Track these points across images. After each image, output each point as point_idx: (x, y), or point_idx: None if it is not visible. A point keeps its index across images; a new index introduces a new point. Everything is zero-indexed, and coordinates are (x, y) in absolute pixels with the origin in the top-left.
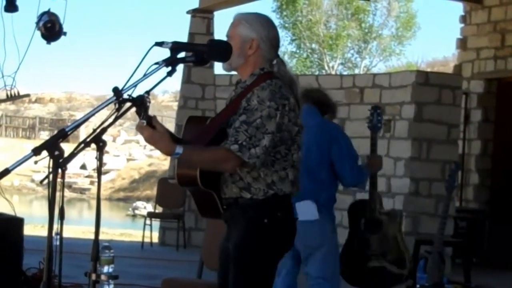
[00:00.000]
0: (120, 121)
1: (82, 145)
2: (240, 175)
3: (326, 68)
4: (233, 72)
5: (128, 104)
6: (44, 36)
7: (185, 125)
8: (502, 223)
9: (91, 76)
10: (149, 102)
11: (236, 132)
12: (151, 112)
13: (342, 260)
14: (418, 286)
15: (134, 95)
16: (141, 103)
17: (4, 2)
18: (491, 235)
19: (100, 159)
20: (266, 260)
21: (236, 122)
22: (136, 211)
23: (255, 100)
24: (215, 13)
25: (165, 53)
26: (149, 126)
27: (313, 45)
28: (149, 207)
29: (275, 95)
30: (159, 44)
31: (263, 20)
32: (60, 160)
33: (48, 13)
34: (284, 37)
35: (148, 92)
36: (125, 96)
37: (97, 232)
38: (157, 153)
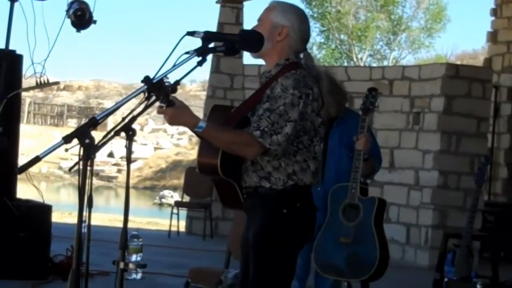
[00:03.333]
0: (148, 110)
1: (112, 133)
2: (261, 164)
3: (355, 59)
4: (262, 62)
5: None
6: (74, 24)
7: (210, 113)
8: None
9: (119, 65)
10: (170, 87)
11: (258, 119)
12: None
13: (316, 247)
14: (446, 279)
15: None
16: (159, 87)
17: None
18: None
19: (129, 147)
20: (285, 250)
21: (259, 110)
22: (163, 200)
23: (278, 88)
24: (245, 3)
25: (194, 42)
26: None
27: (342, 36)
28: (176, 196)
29: (299, 84)
30: (191, 33)
31: (298, 11)
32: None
33: (78, 1)
34: (313, 28)
35: (178, 82)
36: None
37: (125, 221)
38: (184, 142)
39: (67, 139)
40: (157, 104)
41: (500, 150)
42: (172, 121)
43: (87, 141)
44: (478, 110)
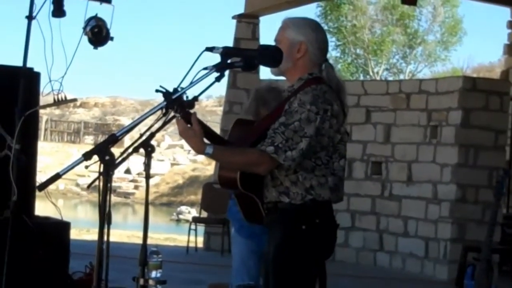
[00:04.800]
0: (165, 126)
1: (130, 150)
2: (280, 179)
3: (371, 73)
4: (280, 78)
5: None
6: (91, 41)
7: (232, 127)
8: None
9: (135, 81)
10: (188, 102)
11: (273, 134)
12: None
13: None
14: None
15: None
16: (174, 99)
17: (52, 7)
18: None
19: (148, 164)
20: (304, 267)
21: (275, 124)
22: (181, 216)
23: (296, 103)
24: (261, 18)
25: (210, 57)
26: (185, 122)
27: (358, 51)
28: (194, 212)
29: (317, 100)
30: (210, 49)
31: (312, 24)
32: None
33: (95, 18)
34: (329, 42)
35: (196, 98)
36: (159, 88)
37: (145, 237)
38: (201, 157)
39: (87, 156)
40: (174, 120)
41: None
42: (181, 136)
43: (107, 158)
44: (495, 123)
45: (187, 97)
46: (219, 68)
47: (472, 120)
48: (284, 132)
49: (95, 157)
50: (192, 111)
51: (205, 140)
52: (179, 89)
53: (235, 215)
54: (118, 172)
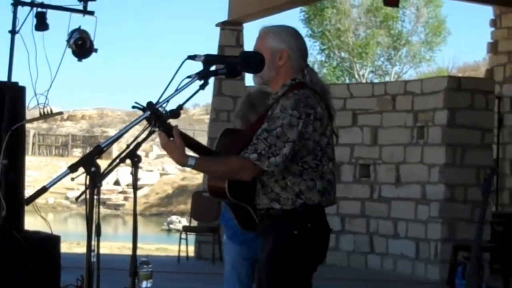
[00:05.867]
0: (152, 136)
1: (117, 161)
2: (270, 186)
3: (357, 76)
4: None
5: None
6: (75, 53)
7: (220, 137)
8: None
9: (122, 92)
10: (173, 112)
11: (256, 140)
12: (182, 126)
13: None
14: None
15: (168, 109)
16: (155, 115)
17: (35, 21)
18: None
19: (135, 174)
20: (298, 273)
21: (258, 130)
22: (171, 226)
23: (278, 109)
24: (244, 25)
25: (196, 66)
26: (167, 135)
27: (343, 54)
28: (184, 221)
29: (299, 104)
30: (192, 57)
31: (291, 31)
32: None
33: (78, 30)
34: (313, 47)
35: (181, 106)
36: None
37: (134, 247)
38: None
39: (72, 168)
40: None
41: (506, 161)
42: (164, 149)
43: (93, 169)
44: (481, 121)
45: (166, 111)
46: (202, 76)
47: (458, 119)
48: (266, 138)
49: (81, 169)
50: (178, 119)
51: (191, 152)
52: (161, 100)
53: (227, 221)
54: (107, 184)
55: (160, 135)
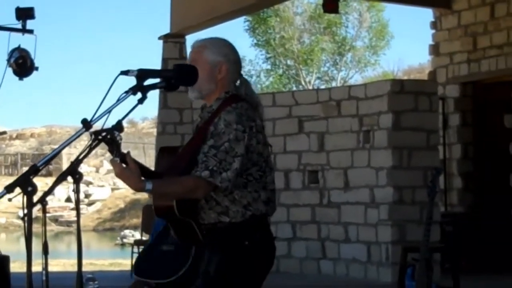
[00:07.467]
0: (101, 151)
1: (58, 179)
2: (217, 200)
3: (303, 83)
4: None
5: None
6: (16, 72)
7: (158, 156)
8: (489, 225)
9: (70, 108)
10: (121, 139)
11: (205, 158)
12: (132, 140)
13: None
14: None
15: (107, 125)
16: (112, 141)
17: None
18: (478, 238)
19: (77, 191)
20: (250, 283)
21: (204, 147)
22: (125, 240)
23: (222, 124)
24: (187, 37)
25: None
26: (122, 163)
27: (288, 62)
28: (137, 235)
29: (242, 118)
30: (125, 72)
31: (227, 43)
32: (35, 195)
33: (18, 49)
34: (259, 55)
35: (120, 121)
36: (97, 134)
37: (79, 264)
38: None
39: (9, 188)
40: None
41: (452, 161)
42: (119, 178)
43: (29, 189)
44: (426, 123)
45: (113, 133)
46: (136, 90)
47: (403, 122)
48: (216, 155)
49: (18, 189)
50: (128, 133)
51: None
52: (95, 117)
53: (156, 227)
54: (59, 201)
55: (114, 164)
